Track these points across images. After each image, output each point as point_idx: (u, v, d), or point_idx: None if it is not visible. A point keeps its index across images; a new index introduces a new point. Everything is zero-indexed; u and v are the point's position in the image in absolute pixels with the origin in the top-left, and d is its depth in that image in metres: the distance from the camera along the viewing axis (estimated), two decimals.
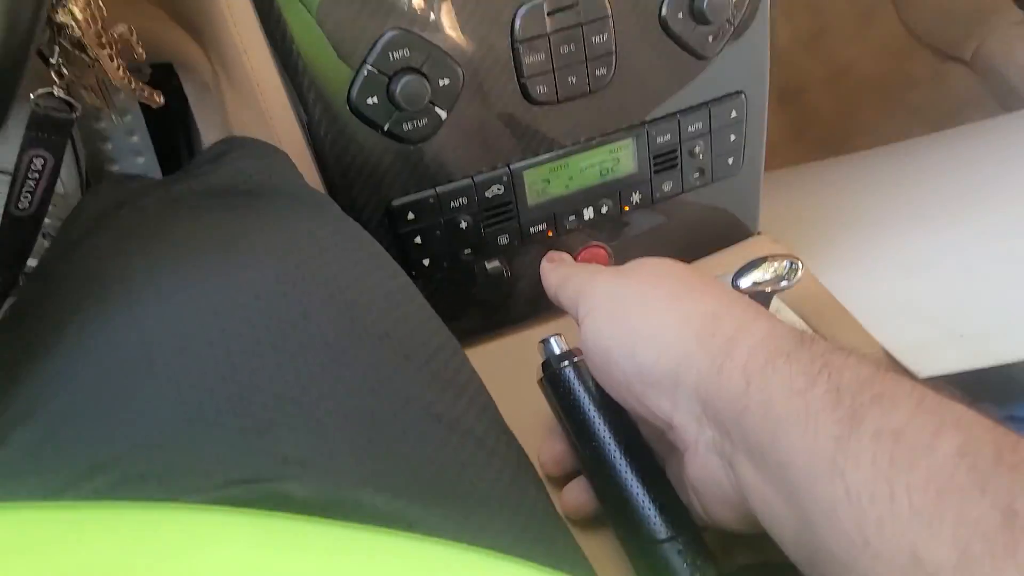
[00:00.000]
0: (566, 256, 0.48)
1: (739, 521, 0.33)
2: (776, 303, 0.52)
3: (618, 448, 0.42)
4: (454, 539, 0.23)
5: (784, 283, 0.45)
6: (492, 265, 0.51)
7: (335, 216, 0.38)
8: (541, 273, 0.45)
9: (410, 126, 0.44)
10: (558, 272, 0.43)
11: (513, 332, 0.54)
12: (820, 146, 1.09)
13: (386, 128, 0.44)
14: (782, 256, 0.46)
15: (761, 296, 0.47)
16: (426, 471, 0.29)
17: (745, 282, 0.46)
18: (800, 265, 0.46)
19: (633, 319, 0.35)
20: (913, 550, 0.24)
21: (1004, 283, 0.51)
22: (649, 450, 0.43)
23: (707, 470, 0.33)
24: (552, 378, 0.45)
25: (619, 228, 0.52)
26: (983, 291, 0.50)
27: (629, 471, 0.41)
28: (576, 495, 0.42)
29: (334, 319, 0.32)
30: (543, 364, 0.46)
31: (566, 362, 0.45)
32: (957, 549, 0.23)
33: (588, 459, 0.43)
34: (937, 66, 1.10)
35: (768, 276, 0.46)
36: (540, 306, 0.54)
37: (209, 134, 0.65)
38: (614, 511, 0.42)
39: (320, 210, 0.39)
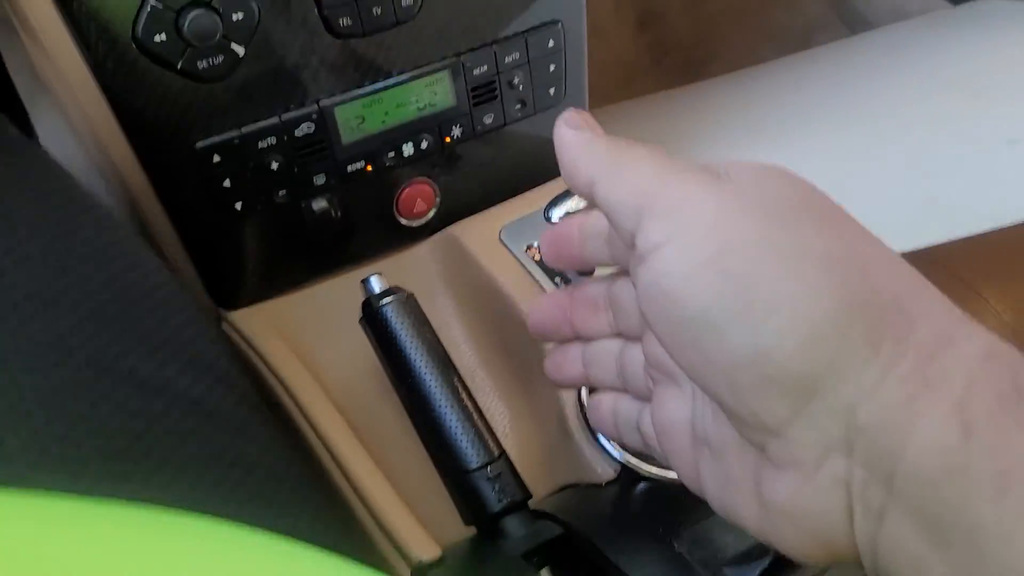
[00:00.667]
0: (590, 119, 0.31)
1: (821, 557, 0.25)
2: None
3: (434, 383, 0.42)
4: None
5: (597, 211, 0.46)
6: (319, 205, 0.50)
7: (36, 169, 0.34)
8: (559, 147, 0.31)
9: (205, 63, 0.42)
10: (596, 154, 0.29)
11: (347, 272, 0.54)
12: (679, 71, 1.11)
13: (179, 66, 0.42)
14: None
15: None
16: (121, 441, 0.27)
17: (558, 212, 0.46)
18: None
19: (761, 275, 0.23)
20: None
21: (845, 193, 0.53)
22: (464, 385, 0.43)
23: (821, 503, 0.24)
24: (371, 317, 0.45)
25: (444, 163, 0.52)
26: None
27: (443, 405, 0.42)
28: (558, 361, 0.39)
29: (28, 279, 0.29)
30: (363, 304, 0.46)
31: (386, 300, 0.45)
32: None
33: (405, 395, 0.43)
34: None
35: (582, 204, 0.46)
36: (376, 245, 0.54)
37: (20, 83, 0.61)
38: (429, 444, 0.43)
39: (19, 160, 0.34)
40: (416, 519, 0.42)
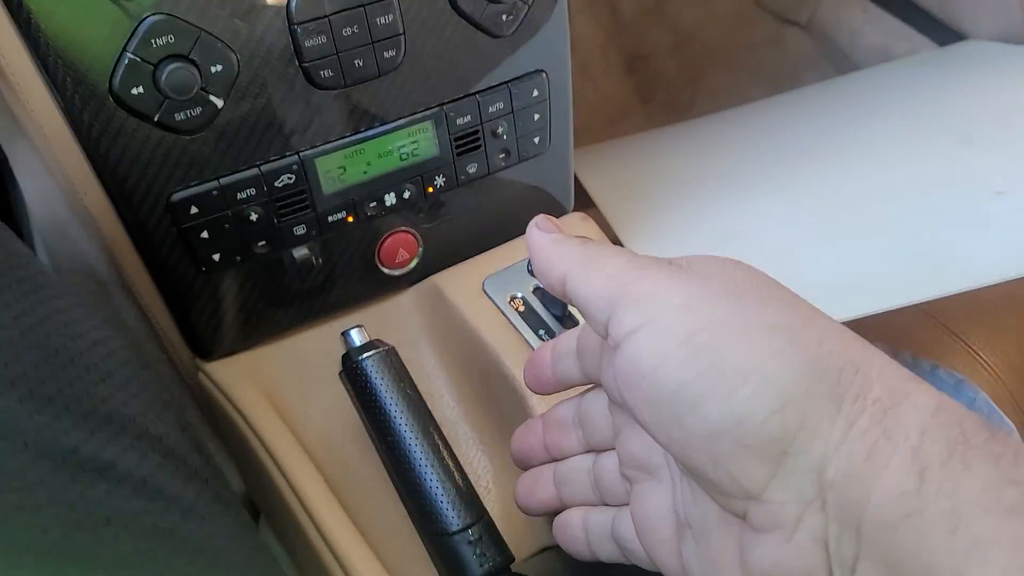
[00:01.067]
0: (560, 224, 0.35)
1: None
2: None
3: (414, 441, 0.41)
4: None
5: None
6: (301, 254, 0.49)
7: None
8: (531, 248, 0.33)
9: (183, 115, 0.42)
10: (568, 252, 0.31)
11: (328, 321, 0.53)
12: (666, 110, 1.11)
13: (157, 119, 0.41)
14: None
15: None
16: (56, 532, 0.25)
17: None
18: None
19: (731, 348, 0.25)
20: None
21: (795, 258, 0.53)
22: (445, 443, 0.42)
23: (799, 564, 0.25)
24: (351, 371, 0.44)
25: (427, 212, 0.51)
26: (778, 265, 0.51)
27: (423, 465, 0.41)
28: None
29: None
30: (343, 357, 0.45)
31: (365, 354, 0.44)
32: None
33: (385, 453, 0.43)
34: (776, 30, 1.13)
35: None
36: (357, 295, 0.53)
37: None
38: (409, 504, 0.42)
39: None
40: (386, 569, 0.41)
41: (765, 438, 0.24)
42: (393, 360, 0.44)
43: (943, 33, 0.95)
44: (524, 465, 0.40)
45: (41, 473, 0.25)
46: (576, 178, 0.57)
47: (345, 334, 0.45)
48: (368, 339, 0.45)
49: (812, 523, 0.24)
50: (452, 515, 0.39)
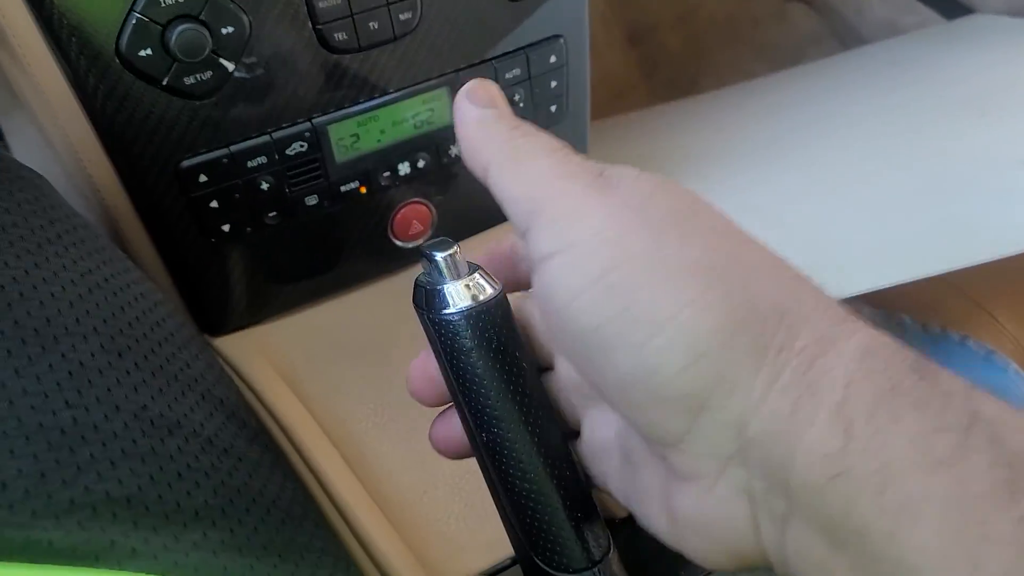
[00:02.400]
0: (496, 93, 0.28)
1: (729, 564, 0.25)
2: None
3: (528, 437, 0.29)
4: (158, 558, 0.21)
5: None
6: (311, 227, 0.47)
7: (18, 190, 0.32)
8: (458, 121, 0.28)
9: (193, 79, 0.40)
10: (493, 139, 0.27)
11: (339, 296, 0.52)
12: (670, 86, 1.09)
13: (165, 83, 0.40)
14: None
15: None
16: (132, 484, 0.25)
17: None
18: None
19: (643, 292, 0.23)
20: None
21: (813, 232, 0.52)
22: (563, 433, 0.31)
23: (724, 513, 0.23)
24: (435, 320, 0.29)
25: (441, 182, 0.50)
26: (792, 240, 0.50)
27: (541, 479, 0.29)
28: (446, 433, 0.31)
29: (38, 311, 0.27)
30: (426, 291, 0.30)
31: (482, 300, 0.29)
32: None
33: (483, 453, 0.30)
34: (780, 5, 1.11)
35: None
36: (369, 268, 0.51)
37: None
38: (516, 526, 0.30)
39: None
40: (415, 559, 0.40)
41: (679, 392, 0.22)
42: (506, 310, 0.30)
43: (951, 7, 0.93)
44: (425, 396, 0.31)
45: (115, 426, 0.25)
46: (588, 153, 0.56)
47: (426, 252, 0.29)
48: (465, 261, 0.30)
49: (735, 476, 0.23)
50: (579, 551, 0.28)
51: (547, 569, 0.29)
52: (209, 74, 0.40)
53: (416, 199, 0.49)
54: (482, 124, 0.28)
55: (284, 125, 0.43)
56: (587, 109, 0.53)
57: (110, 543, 0.23)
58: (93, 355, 0.27)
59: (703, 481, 0.23)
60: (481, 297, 0.28)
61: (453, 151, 0.48)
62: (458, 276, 0.29)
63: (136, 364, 0.28)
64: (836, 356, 0.21)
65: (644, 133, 0.86)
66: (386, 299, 0.46)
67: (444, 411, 0.31)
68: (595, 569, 0.28)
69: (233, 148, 0.42)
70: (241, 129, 0.43)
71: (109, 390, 0.26)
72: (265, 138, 0.43)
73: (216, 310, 0.48)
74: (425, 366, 0.30)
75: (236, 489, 0.28)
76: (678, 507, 0.25)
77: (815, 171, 0.61)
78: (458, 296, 0.29)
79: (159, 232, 0.44)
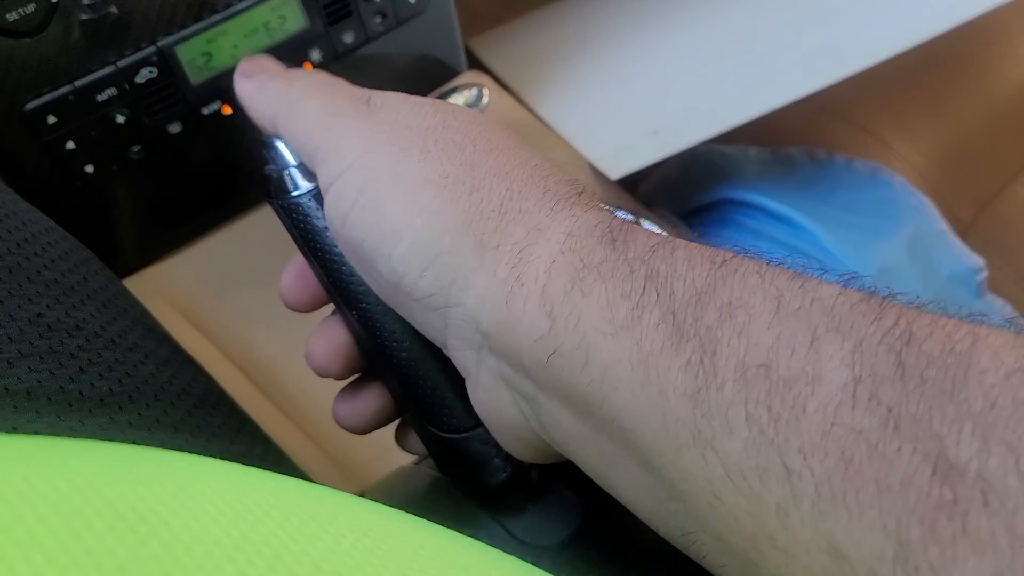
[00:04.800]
0: (266, 61, 0.33)
1: (545, 458, 0.27)
2: None
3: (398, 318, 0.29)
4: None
5: (474, 110, 0.43)
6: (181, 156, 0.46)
7: None
8: (240, 98, 0.32)
9: (16, 15, 0.38)
10: (273, 96, 0.30)
11: (230, 224, 0.51)
12: None
13: None
14: (469, 84, 0.44)
15: None
16: (31, 379, 0.26)
17: None
18: (484, 91, 0.44)
19: (388, 207, 0.25)
20: (832, 543, 0.16)
21: (692, 80, 0.52)
22: None
23: (494, 402, 0.25)
24: (285, 206, 0.31)
25: None
26: (674, 90, 0.50)
27: (425, 349, 0.29)
28: (353, 405, 0.32)
29: None
30: (272, 180, 0.32)
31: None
32: (889, 539, 0.16)
33: (359, 329, 0.30)
34: None
35: (471, 99, 0.44)
36: (255, 191, 0.50)
37: None
38: (403, 394, 0.31)
39: None
40: (329, 462, 0.40)
41: (425, 294, 0.24)
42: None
43: None
44: (296, 299, 0.32)
45: (10, 332, 0.26)
46: (481, 61, 0.55)
47: (267, 143, 0.31)
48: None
49: (490, 365, 0.25)
50: (463, 410, 0.29)
51: (439, 433, 0.30)
52: (32, 7, 0.38)
53: None
54: (260, 89, 0.31)
55: (128, 53, 0.42)
56: None
57: (12, 429, 0.24)
58: None
59: (472, 374, 0.26)
60: None
61: (315, 57, 0.47)
62: (299, 159, 0.29)
63: (28, 278, 0.29)
64: (544, 244, 0.23)
65: (539, 33, 0.85)
66: (277, 220, 0.45)
67: (325, 324, 0.32)
68: (482, 428, 0.28)
69: (78, 83, 0.41)
70: (83, 63, 0.41)
71: (1, 302, 0.27)
72: (110, 68, 0.41)
73: (103, 256, 0.47)
74: (292, 270, 0.32)
75: (143, 379, 0.29)
76: (474, 405, 0.27)
77: (687, 30, 0.61)
78: (301, 177, 0.30)
79: (18, 182, 0.43)
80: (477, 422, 0.28)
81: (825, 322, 0.18)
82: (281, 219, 0.31)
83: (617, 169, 0.44)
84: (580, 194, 0.25)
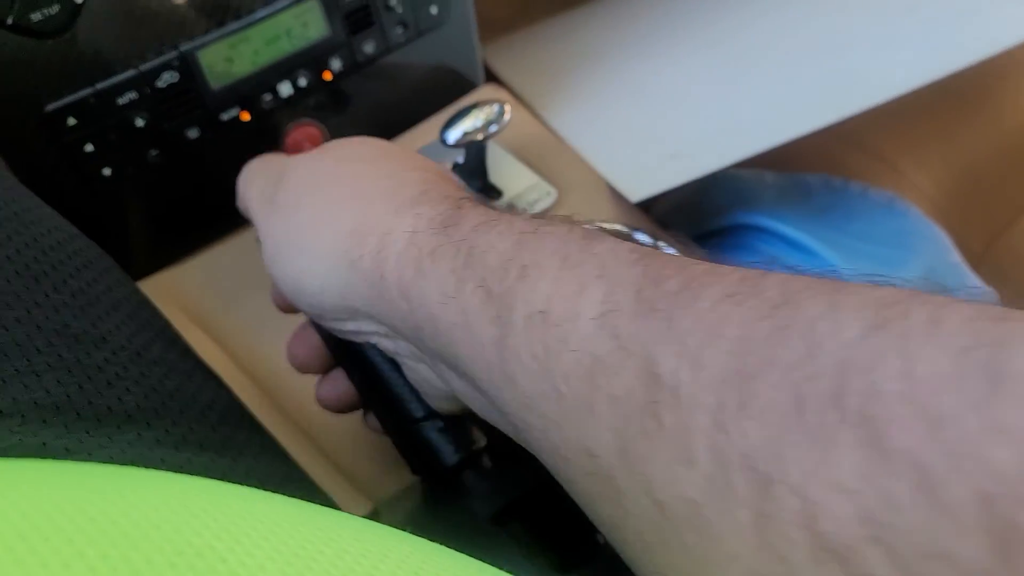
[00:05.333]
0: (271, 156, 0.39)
1: (457, 409, 0.31)
2: (497, 149, 0.50)
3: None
4: (93, 455, 0.23)
5: (494, 127, 0.43)
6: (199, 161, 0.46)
7: None
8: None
9: (40, 15, 0.38)
10: (242, 178, 0.37)
11: (243, 231, 0.50)
12: None
13: (10, 22, 0.38)
14: (489, 101, 0.44)
15: (475, 145, 0.45)
16: (60, 393, 0.26)
17: (454, 134, 0.43)
18: (506, 107, 0.44)
19: (292, 248, 0.31)
20: (587, 446, 0.21)
21: (712, 102, 0.52)
22: None
23: (419, 374, 0.31)
24: None
25: (329, 101, 0.48)
26: (694, 112, 0.50)
27: (377, 355, 0.35)
28: (330, 388, 0.37)
29: None
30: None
31: None
32: (616, 437, 0.20)
33: (331, 338, 0.37)
34: None
35: (479, 123, 0.44)
36: None
37: None
38: (368, 393, 0.37)
39: None
40: (342, 476, 0.40)
41: (331, 309, 0.30)
42: None
43: None
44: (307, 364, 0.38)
45: (38, 343, 0.27)
46: (495, 72, 0.55)
47: None
48: None
49: (402, 347, 0.30)
50: (415, 402, 0.34)
51: (398, 423, 0.35)
52: (56, 8, 0.38)
53: (305, 121, 0.48)
54: (243, 183, 0.37)
55: (150, 56, 0.42)
56: (471, 8, 0.52)
57: (41, 445, 0.24)
58: (9, 281, 0.28)
59: (399, 357, 0.31)
60: None
61: (335, 65, 0.47)
62: None
63: (55, 287, 0.29)
64: (392, 245, 0.27)
65: (552, 41, 0.85)
66: None
67: (302, 328, 0.37)
68: (434, 418, 0.33)
69: (99, 86, 0.41)
70: (105, 65, 0.41)
71: (28, 311, 0.27)
72: (131, 71, 0.41)
73: (115, 259, 0.46)
74: (299, 338, 0.37)
75: (169, 394, 0.30)
76: (411, 381, 0.32)
77: (711, 46, 0.61)
78: None
79: (39, 186, 0.42)
80: (428, 413, 0.33)
81: (595, 272, 0.22)
82: None
83: (637, 193, 0.44)
84: (424, 192, 0.29)
